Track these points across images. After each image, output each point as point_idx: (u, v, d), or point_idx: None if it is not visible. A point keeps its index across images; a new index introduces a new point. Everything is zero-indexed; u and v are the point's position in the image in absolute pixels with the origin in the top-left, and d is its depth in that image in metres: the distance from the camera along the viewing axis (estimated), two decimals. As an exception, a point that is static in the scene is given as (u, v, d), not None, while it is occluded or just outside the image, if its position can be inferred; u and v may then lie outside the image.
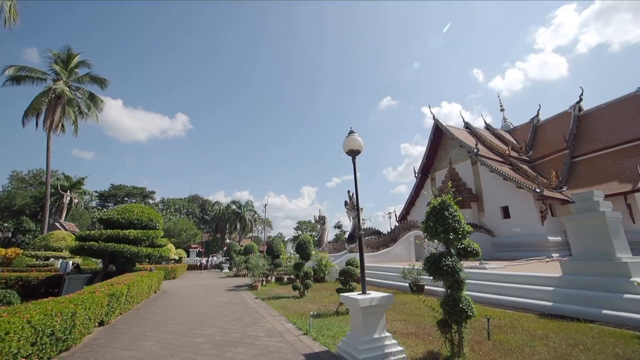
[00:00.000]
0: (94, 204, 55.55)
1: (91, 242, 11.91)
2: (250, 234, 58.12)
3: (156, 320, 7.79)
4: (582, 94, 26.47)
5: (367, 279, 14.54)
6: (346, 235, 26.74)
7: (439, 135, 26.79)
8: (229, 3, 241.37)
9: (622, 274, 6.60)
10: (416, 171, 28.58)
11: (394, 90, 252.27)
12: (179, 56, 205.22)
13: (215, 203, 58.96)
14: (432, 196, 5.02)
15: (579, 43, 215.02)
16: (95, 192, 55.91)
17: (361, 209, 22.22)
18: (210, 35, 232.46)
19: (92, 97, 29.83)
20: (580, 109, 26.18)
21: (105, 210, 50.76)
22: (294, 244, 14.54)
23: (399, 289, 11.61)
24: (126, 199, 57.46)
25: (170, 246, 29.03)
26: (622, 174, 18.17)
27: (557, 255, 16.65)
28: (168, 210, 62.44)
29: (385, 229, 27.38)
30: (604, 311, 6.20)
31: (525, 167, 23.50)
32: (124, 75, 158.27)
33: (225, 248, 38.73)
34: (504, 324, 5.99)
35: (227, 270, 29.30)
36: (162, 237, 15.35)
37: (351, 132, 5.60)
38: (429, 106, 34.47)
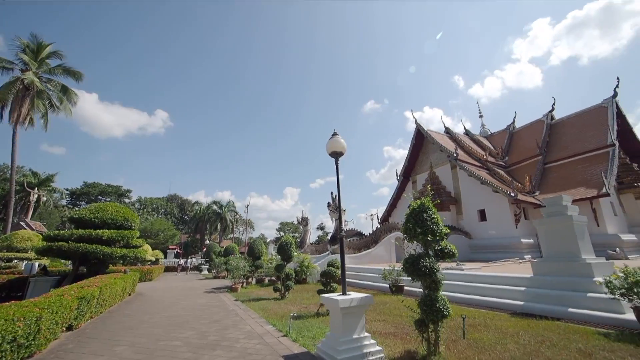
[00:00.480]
0: (64, 202, 52.70)
1: (60, 243, 11.28)
2: (231, 235, 56.98)
3: (130, 324, 7.48)
4: (554, 104, 28.02)
5: (348, 280, 14.75)
6: (329, 237, 26.82)
7: (421, 139, 27.47)
8: (220, 2, 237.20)
9: (586, 274, 7.01)
10: (398, 174, 29.15)
11: (378, 93, 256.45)
12: (162, 51, 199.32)
13: (195, 203, 57.54)
14: (412, 199, 5.13)
15: (552, 55, 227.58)
16: (67, 189, 53.06)
17: (344, 210, 22.37)
18: (197, 33, 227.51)
19: (65, 90, 28.34)
20: (552, 118, 27.66)
21: (77, 209, 48.30)
22: (275, 245, 14.42)
23: (379, 290, 11.76)
24: (100, 197, 54.92)
25: (147, 247, 28.01)
26: (589, 180, 19.34)
27: (529, 256, 17.45)
28: (145, 209, 60.26)
29: (367, 230, 27.71)
30: (570, 309, 6.56)
31: (501, 172, 24.52)
32: (101, 68, 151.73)
33: (204, 249, 37.78)
34: (478, 323, 6.20)
35: (207, 272, 28.60)
36: (138, 238, 14.78)
37: (334, 134, 5.63)
38: (412, 111, 35.33)
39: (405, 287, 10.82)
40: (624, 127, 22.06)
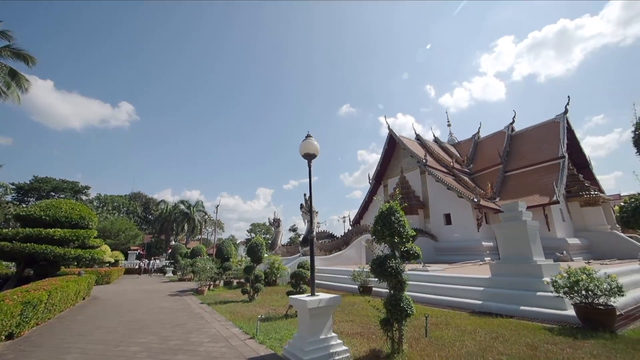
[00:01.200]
0: (9, 197, 47.82)
1: (2, 243, 10.23)
2: (199, 236, 54.91)
3: (83, 330, 6.94)
4: (514, 117, 30.22)
5: (319, 281, 14.80)
6: (300, 239, 26.75)
7: (393, 144, 28.34)
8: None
9: (537, 275, 7.61)
10: (371, 178, 29.82)
11: (353, 98, 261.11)
12: (127, 37, 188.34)
13: (160, 202, 54.55)
14: (382, 202, 5.28)
15: (514, 71, 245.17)
16: (12, 184, 48.20)
17: (316, 212, 22.38)
18: (171, 24, 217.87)
19: (14, 75, 25.72)
20: (512, 130, 29.78)
21: (24, 205, 44.01)
22: (246, 246, 14.11)
23: (348, 291, 11.93)
24: (52, 193, 50.45)
25: (105, 248, 26.18)
26: (542, 189, 21.03)
27: (489, 258, 18.60)
28: (105, 208, 56.31)
29: (339, 232, 28.01)
30: (521, 307, 7.08)
31: (466, 178, 25.96)
32: (58, 53, 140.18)
33: (170, 250, 36.03)
34: (440, 322, 6.49)
35: (171, 275, 27.29)
36: (95, 238, 13.80)
37: (308, 136, 5.66)
38: (385, 116, 36.37)
39: (374, 288, 11.07)
40: (573, 141, 24.29)
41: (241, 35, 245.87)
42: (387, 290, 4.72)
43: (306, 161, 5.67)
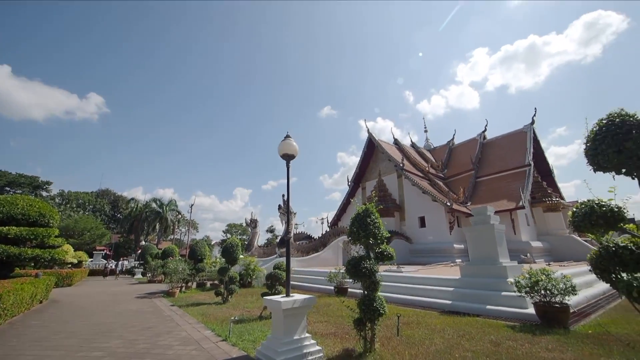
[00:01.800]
0: (-42, 192, 43.63)
1: (-52, 240, 9.32)
2: (172, 236, 52.87)
3: (39, 335, 6.46)
4: (486, 125, 31.77)
5: (296, 283, 14.73)
6: (278, 240, 26.52)
7: (372, 148, 28.86)
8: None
9: (502, 276, 8.03)
10: (349, 180, 30.15)
11: (334, 100, 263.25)
12: (101, 27, 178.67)
13: (131, 200, 51.82)
14: (359, 204, 5.37)
15: (488, 81, 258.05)
16: (-38, 177, 44.11)
17: (294, 213, 22.33)
18: (145, 15, 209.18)
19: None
20: (484, 137, 31.30)
21: (-24, 201, 40.29)
22: (221, 247, 13.76)
23: (325, 292, 11.96)
24: (7, 188, 46.62)
25: (67, 247, 24.53)
26: (510, 194, 22.24)
27: (460, 260, 19.36)
28: (68, 205, 52.84)
29: (317, 234, 28.05)
30: (487, 306, 7.44)
31: (441, 183, 26.93)
32: (16, 35, 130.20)
33: (139, 251, 34.42)
34: (411, 321, 6.68)
35: (140, 276, 26.08)
36: (57, 237, 12.91)
37: (287, 136, 5.64)
38: (365, 120, 37.02)
39: (349, 289, 11.18)
40: (538, 150, 25.93)
41: (217, 32, 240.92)
42: (362, 291, 4.79)
43: (285, 162, 5.65)
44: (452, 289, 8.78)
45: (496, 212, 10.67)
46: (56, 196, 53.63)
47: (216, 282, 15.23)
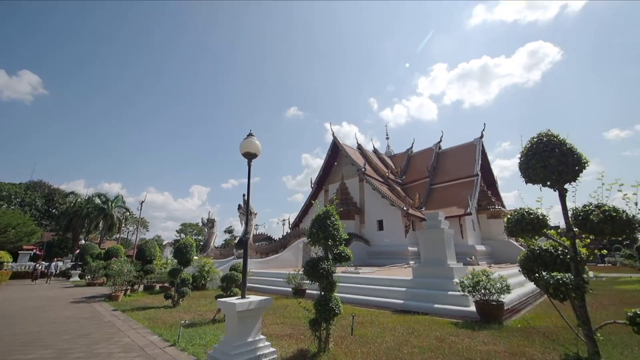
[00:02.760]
0: None
1: None
2: (118, 235, 48.58)
3: (-59, 349, 5.51)
4: (442, 136, 34.11)
5: (254, 285, 14.40)
6: (236, 241, 25.74)
7: (336, 151, 29.39)
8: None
9: (449, 276, 8.66)
10: (313, 182, 30.35)
11: (300, 101, 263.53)
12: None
13: (70, 194, 46.49)
14: (319, 206, 5.43)
15: (445, 95, 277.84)
16: None
17: (255, 214, 21.90)
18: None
19: None
20: (440, 147, 33.55)
21: None
22: (173, 248, 12.97)
23: (283, 294, 11.86)
24: None
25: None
26: (460, 201, 24.08)
27: (413, 262, 20.47)
28: (-10, 197, 46.03)
29: (279, 235, 27.78)
30: (435, 305, 7.96)
31: (398, 188, 28.27)
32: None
33: (78, 251, 31.08)
34: (365, 320, 6.91)
35: (78, 279, 23.55)
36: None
37: (250, 134, 5.52)
38: (330, 123, 37.55)
39: (307, 290, 11.22)
40: (485, 162, 28.47)
41: (192, 27, 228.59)
42: (319, 292, 4.85)
43: (246, 160, 5.52)
44: (404, 289, 9.25)
45: (447, 218, 11.50)
46: (-27, 187, 46.39)
47: (166, 284, 14.31)
